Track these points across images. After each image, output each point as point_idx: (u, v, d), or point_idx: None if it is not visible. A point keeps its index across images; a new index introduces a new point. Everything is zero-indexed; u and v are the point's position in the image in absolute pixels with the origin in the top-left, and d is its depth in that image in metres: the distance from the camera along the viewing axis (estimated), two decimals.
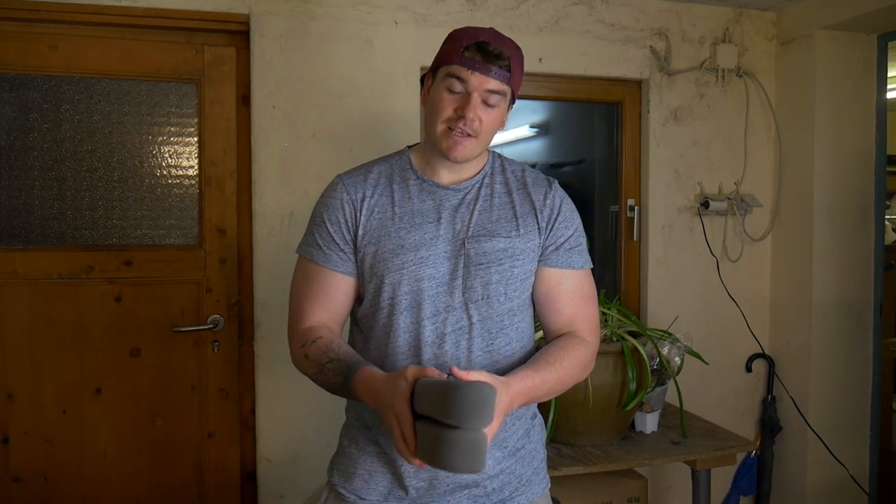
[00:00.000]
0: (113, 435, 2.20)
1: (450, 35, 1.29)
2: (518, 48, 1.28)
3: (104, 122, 2.18)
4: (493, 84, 1.23)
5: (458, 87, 1.24)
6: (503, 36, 1.27)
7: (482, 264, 1.26)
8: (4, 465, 2.13)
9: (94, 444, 2.19)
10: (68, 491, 2.18)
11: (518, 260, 1.29)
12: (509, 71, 1.24)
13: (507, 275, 1.28)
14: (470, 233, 1.28)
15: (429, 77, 1.32)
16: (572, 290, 1.34)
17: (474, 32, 1.25)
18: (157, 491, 2.25)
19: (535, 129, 3.44)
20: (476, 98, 1.23)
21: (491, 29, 1.27)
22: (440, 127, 1.26)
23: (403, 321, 1.26)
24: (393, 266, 1.26)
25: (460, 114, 1.23)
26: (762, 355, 2.79)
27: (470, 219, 1.29)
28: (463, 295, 1.26)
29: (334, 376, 1.21)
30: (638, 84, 2.65)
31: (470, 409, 1.00)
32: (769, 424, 2.75)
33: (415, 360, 1.25)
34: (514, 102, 1.33)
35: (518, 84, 1.30)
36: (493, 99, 1.24)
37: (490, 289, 1.27)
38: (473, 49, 1.23)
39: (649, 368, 2.01)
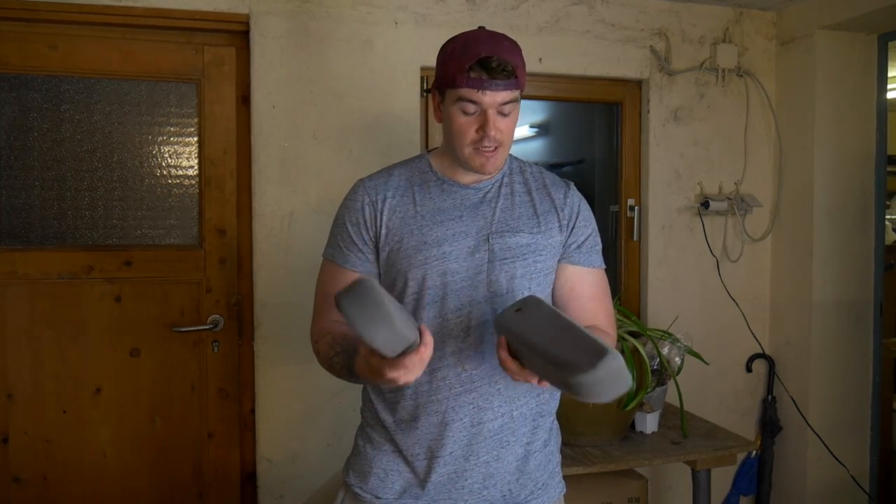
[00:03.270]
0: (113, 435, 2.20)
1: (447, 52, 1.27)
2: (516, 46, 1.27)
3: (104, 122, 2.18)
4: (506, 96, 1.24)
5: (471, 108, 1.24)
6: (499, 38, 1.25)
7: (507, 259, 1.29)
8: (4, 465, 2.13)
9: (93, 444, 2.19)
10: (68, 491, 2.18)
11: (541, 255, 1.32)
12: (516, 77, 1.24)
13: (531, 269, 1.30)
14: (493, 229, 1.30)
15: (435, 95, 1.32)
16: (593, 286, 1.39)
17: (473, 48, 1.22)
18: (156, 491, 2.25)
19: (535, 129, 3.44)
20: (492, 114, 1.24)
21: (485, 35, 1.25)
22: (467, 150, 1.27)
23: (427, 316, 1.27)
24: (416, 262, 1.28)
25: (482, 134, 1.24)
26: (762, 355, 2.79)
27: (493, 215, 1.31)
28: (488, 289, 1.28)
29: (342, 369, 1.23)
30: (638, 84, 2.65)
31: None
32: (769, 424, 2.75)
33: (438, 353, 1.25)
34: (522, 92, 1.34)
35: (524, 81, 1.30)
36: (508, 108, 1.25)
37: (515, 283, 1.29)
38: (477, 68, 1.21)
39: (649, 368, 2.01)
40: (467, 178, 1.34)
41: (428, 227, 1.29)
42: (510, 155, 1.42)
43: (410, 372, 1.05)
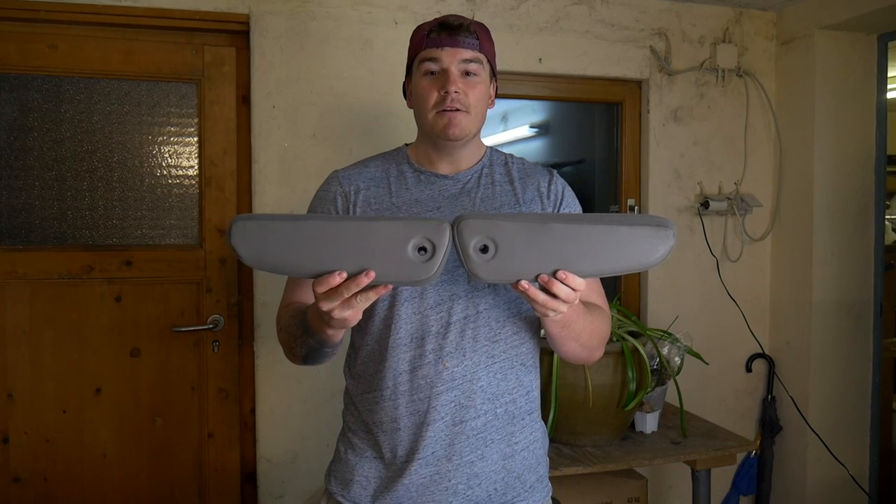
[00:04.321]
0: (113, 435, 2.20)
1: (413, 32, 1.33)
2: (483, 26, 1.32)
3: (104, 122, 2.18)
4: (466, 53, 1.26)
5: (433, 67, 1.27)
6: (461, 14, 1.32)
7: None
8: (4, 465, 2.13)
9: (94, 444, 2.19)
10: (68, 491, 2.18)
11: None
12: (477, 38, 1.28)
13: None
14: None
15: (407, 80, 1.35)
16: None
17: (433, 20, 1.30)
18: (157, 491, 2.25)
19: (535, 129, 3.44)
20: (454, 71, 1.26)
21: (448, 14, 1.33)
22: (430, 115, 1.27)
23: (405, 312, 1.24)
24: None
25: (444, 92, 1.25)
26: (762, 355, 2.79)
27: (472, 206, 1.30)
28: (468, 283, 1.25)
29: (296, 327, 1.22)
30: (638, 84, 2.65)
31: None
32: (769, 424, 2.76)
33: (417, 350, 1.24)
34: (494, 76, 1.35)
35: (491, 52, 1.32)
36: (472, 67, 1.27)
37: None
38: (437, 29, 1.27)
39: (649, 368, 2.01)
40: (445, 168, 1.33)
41: None
42: (492, 148, 1.41)
43: (321, 284, 1.02)
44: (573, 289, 1.04)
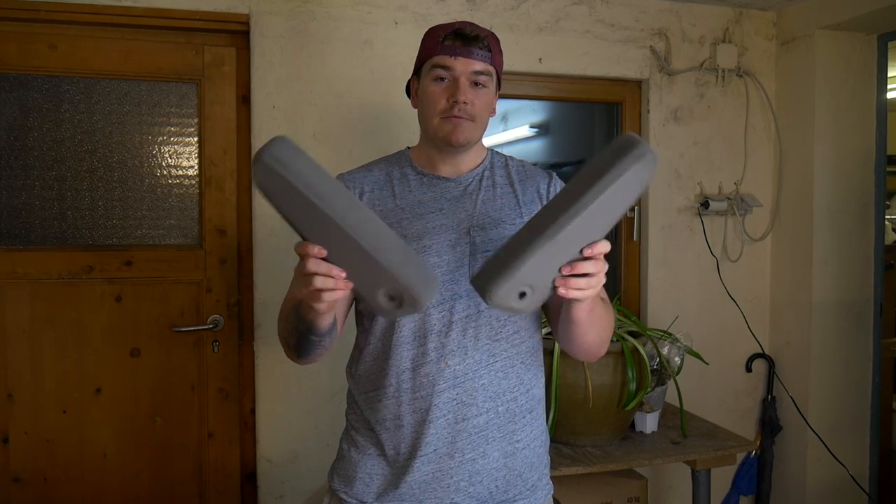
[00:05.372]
0: (113, 435, 2.20)
1: (425, 34, 1.34)
2: (492, 32, 1.34)
3: (104, 122, 2.18)
4: (478, 65, 1.28)
5: (444, 74, 1.28)
6: (476, 24, 1.32)
7: (488, 251, 1.28)
8: (4, 465, 2.13)
9: (94, 444, 2.19)
10: (68, 491, 2.18)
11: None
12: (489, 51, 1.29)
13: None
14: (475, 222, 1.30)
15: (414, 80, 1.37)
16: None
17: (448, 25, 1.31)
18: (157, 491, 2.25)
19: (535, 129, 3.44)
20: (464, 81, 1.27)
21: (463, 21, 1.33)
22: (436, 120, 1.29)
23: None
24: None
25: (453, 101, 1.27)
26: (762, 355, 2.79)
27: (474, 208, 1.31)
28: (470, 282, 1.26)
29: (292, 313, 1.21)
30: (638, 84, 2.65)
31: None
32: (769, 424, 2.76)
33: (420, 348, 1.25)
34: (499, 87, 1.37)
35: (500, 64, 1.34)
36: (481, 79, 1.29)
37: None
38: (452, 37, 1.28)
39: (649, 368, 2.01)
40: (447, 170, 1.35)
41: (408, 220, 1.29)
42: (493, 150, 1.42)
43: (302, 247, 1.04)
44: (602, 252, 1.05)
